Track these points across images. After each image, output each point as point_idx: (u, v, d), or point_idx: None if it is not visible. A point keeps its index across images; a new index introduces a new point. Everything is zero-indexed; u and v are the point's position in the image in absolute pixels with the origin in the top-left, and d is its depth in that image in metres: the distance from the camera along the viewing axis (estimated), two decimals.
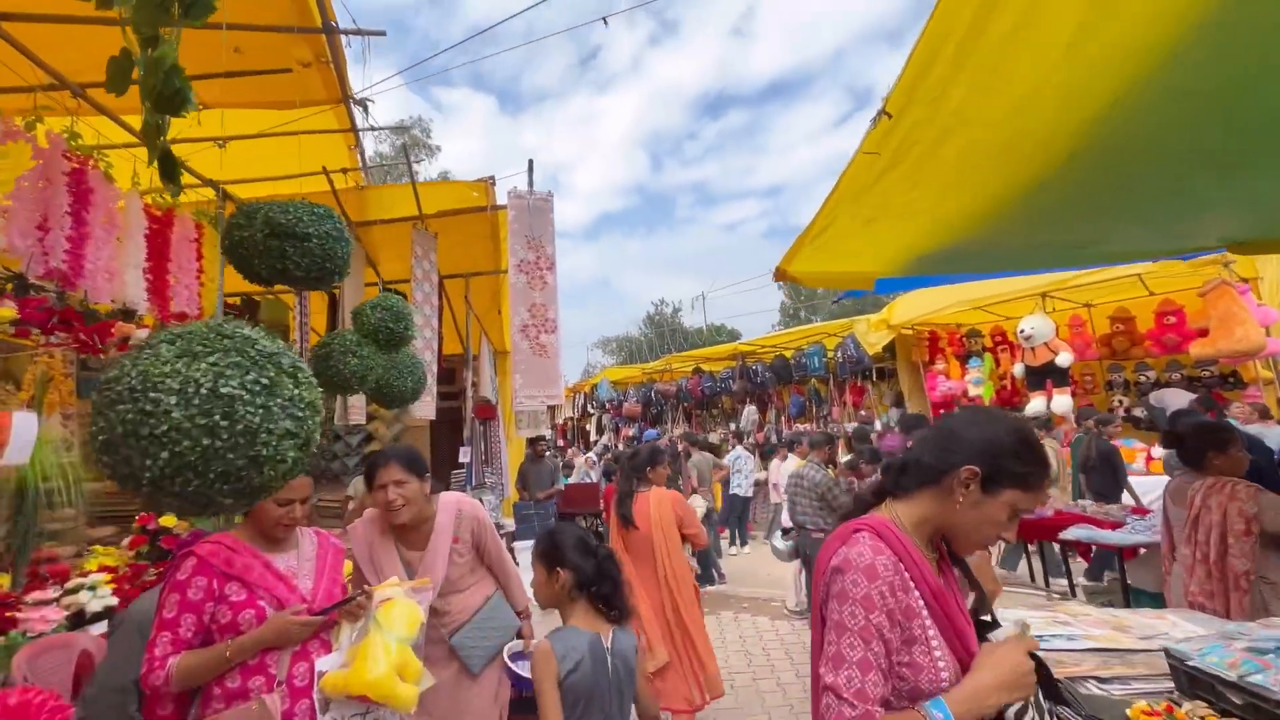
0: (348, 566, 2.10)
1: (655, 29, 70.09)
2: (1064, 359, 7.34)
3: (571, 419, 17.14)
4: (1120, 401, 8.32)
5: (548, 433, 19.40)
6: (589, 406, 15.66)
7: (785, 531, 4.59)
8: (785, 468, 5.59)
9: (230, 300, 5.37)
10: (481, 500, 6.68)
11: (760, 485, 10.69)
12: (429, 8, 60.66)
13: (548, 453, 7.05)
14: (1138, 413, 7.92)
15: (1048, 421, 8.34)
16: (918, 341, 9.20)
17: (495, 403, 6.87)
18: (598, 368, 21.78)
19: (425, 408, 4.41)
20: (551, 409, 19.83)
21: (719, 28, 68.88)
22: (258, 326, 1.45)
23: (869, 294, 4.15)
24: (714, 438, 11.59)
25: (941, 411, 9.06)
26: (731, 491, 8.42)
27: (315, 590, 1.71)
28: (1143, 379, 8.34)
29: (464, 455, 5.04)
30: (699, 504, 3.56)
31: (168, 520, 3.19)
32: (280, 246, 2.48)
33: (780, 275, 3.46)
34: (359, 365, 3.19)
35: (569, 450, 13.53)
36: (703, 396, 11.57)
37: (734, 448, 9.32)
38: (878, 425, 9.18)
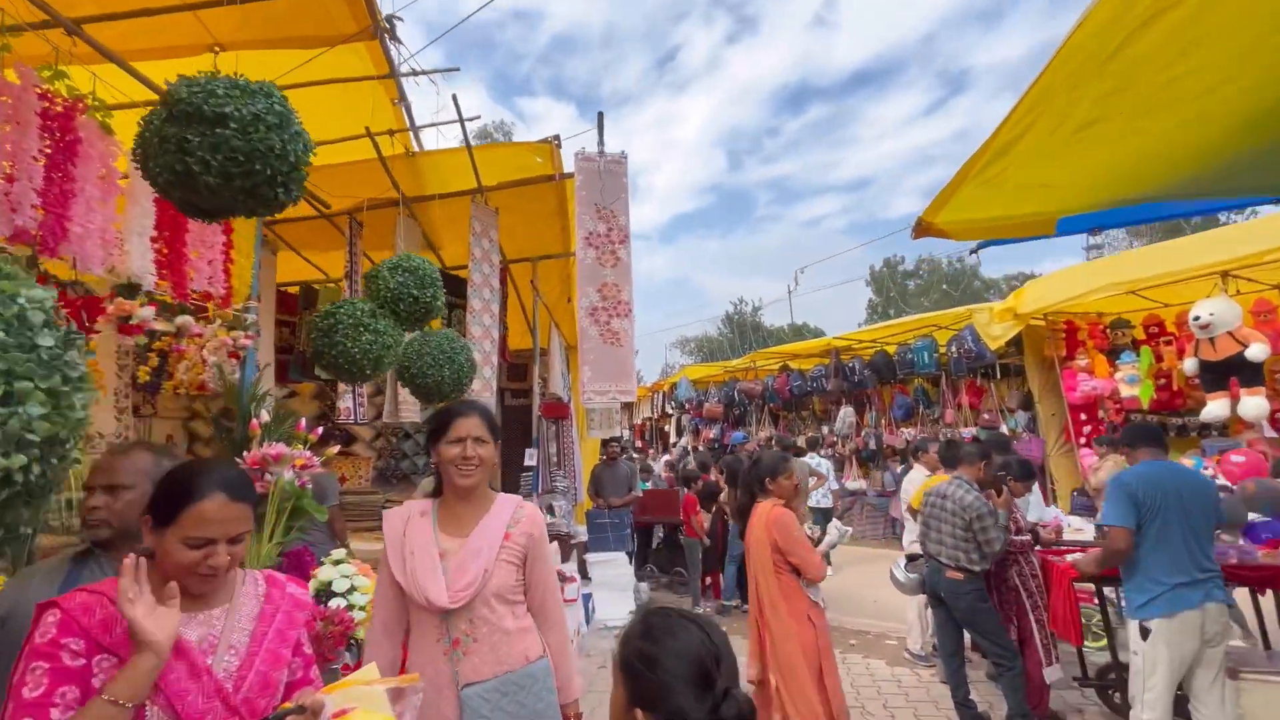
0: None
1: (733, 26, 68.64)
2: (1258, 351, 5.89)
3: (650, 420, 16.57)
4: None
5: (625, 433, 18.92)
6: (668, 407, 15.00)
7: (911, 560, 3.71)
8: (912, 479, 4.67)
9: (287, 289, 5.16)
10: (553, 507, 6.19)
11: (853, 494, 9.61)
12: (513, 21, 62.25)
13: (622, 455, 6.43)
14: None
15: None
16: (1051, 333, 7.86)
17: (567, 401, 6.33)
18: (676, 368, 21.04)
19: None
20: (628, 407, 19.58)
21: (799, 19, 66.49)
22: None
23: (1032, 240, 3.21)
24: (802, 442, 10.62)
25: (1082, 416, 7.69)
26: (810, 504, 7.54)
27: (243, 672, 1.12)
28: None
29: (530, 458, 4.52)
30: (832, 532, 2.85)
31: None
32: (179, 135, 1.58)
33: (922, 229, 2.64)
34: (373, 343, 2.56)
35: (648, 453, 12.88)
36: (791, 397, 10.61)
37: (813, 455, 8.36)
38: (1003, 430, 7.93)
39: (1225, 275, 6.46)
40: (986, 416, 8.10)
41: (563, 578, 4.64)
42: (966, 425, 8.32)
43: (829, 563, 2.86)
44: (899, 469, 9.23)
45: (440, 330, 3.19)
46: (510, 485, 6.95)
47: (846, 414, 9.44)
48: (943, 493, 3.37)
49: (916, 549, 4.47)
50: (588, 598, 5.32)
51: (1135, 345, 7.85)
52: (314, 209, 3.88)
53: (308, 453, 2.96)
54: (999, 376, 8.25)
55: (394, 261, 2.81)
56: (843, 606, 5.83)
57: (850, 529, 2.78)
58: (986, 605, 3.18)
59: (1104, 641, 3.48)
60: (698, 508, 6.06)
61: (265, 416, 2.92)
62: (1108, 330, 8.08)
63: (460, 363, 3.15)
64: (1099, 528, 4.37)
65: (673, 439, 14.20)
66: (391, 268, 2.76)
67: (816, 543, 2.82)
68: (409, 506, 1.79)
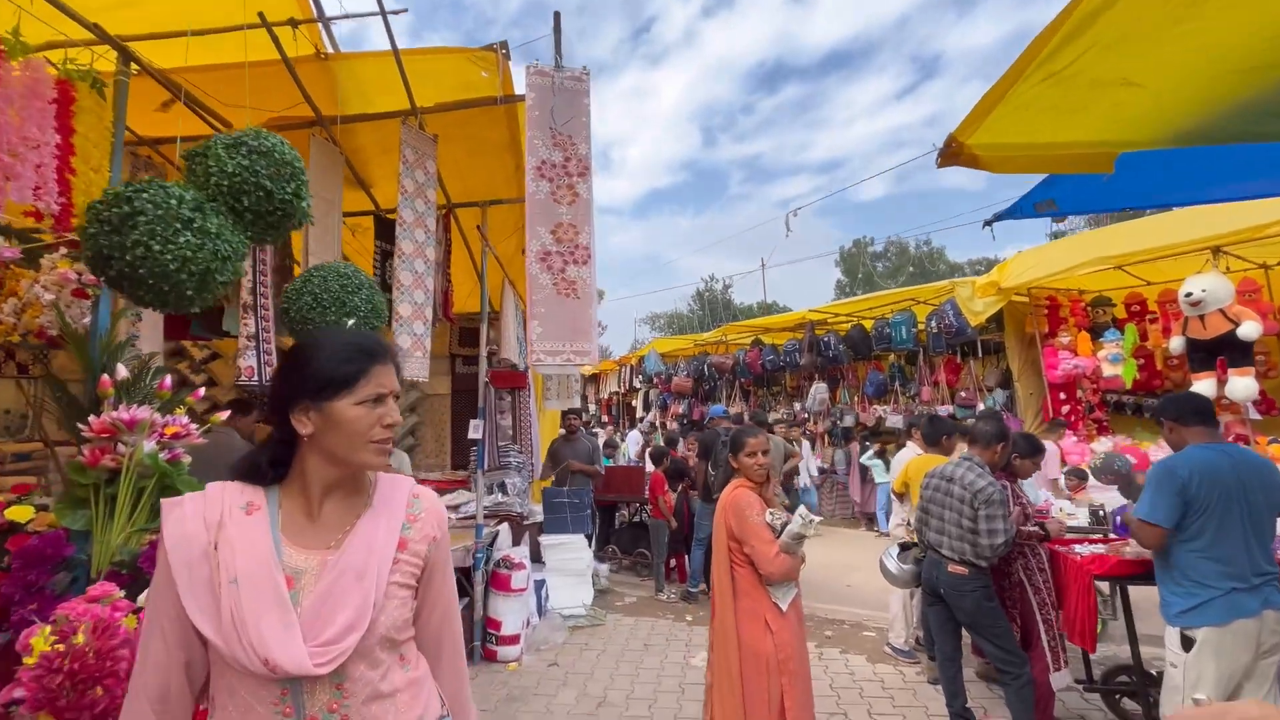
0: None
1: (709, 0, 67.06)
2: (1249, 329, 5.65)
3: (617, 394, 16.09)
4: None
5: (591, 407, 18.40)
6: (635, 381, 14.52)
7: (904, 548, 3.29)
8: (902, 457, 4.27)
9: (354, 216, 4.15)
10: (505, 484, 5.64)
11: (825, 473, 9.31)
12: None
13: (582, 429, 5.90)
14: None
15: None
16: (1034, 309, 7.57)
17: (524, 369, 5.75)
18: (646, 344, 20.56)
19: (414, 367, 3.29)
20: (594, 379, 19.07)
21: None
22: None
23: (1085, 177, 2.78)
24: (775, 418, 10.27)
25: (1061, 395, 7.46)
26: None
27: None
28: None
29: (474, 430, 3.95)
30: (795, 521, 2.31)
31: (18, 513, 2.20)
32: None
33: (951, 154, 2.15)
34: (198, 249, 1.76)
35: (610, 428, 12.39)
36: (763, 372, 10.21)
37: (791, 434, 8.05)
38: (979, 410, 7.66)
39: (1216, 251, 6.20)
40: (964, 395, 7.82)
41: (511, 564, 4.13)
42: (943, 403, 8.03)
43: (803, 558, 2.36)
44: (856, 448, 8.96)
45: (332, 264, 2.53)
46: (461, 463, 6.37)
47: (819, 390, 9.08)
48: (949, 475, 2.94)
49: (902, 533, 4.09)
50: (541, 585, 4.82)
51: (1118, 323, 7.63)
52: (209, 124, 3.18)
53: (183, 419, 2.35)
54: (979, 354, 7.95)
55: (235, 137, 1.96)
56: (819, 593, 5.47)
57: (819, 518, 2.27)
58: (994, 604, 2.79)
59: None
60: (665, 487, 5.59)
61: (122, 372, 2.29)
62: (1089, 308, 7.84)
63: (360, 309, 2.46)
64: (1099, 519, 4.04)
65: (639, 414, 13.75)
66: (230, 145, 1.92)
67: (779, 532, 2.32)
68: (220, 494, 1.06)
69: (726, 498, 2.39)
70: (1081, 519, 4.32)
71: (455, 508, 4.66)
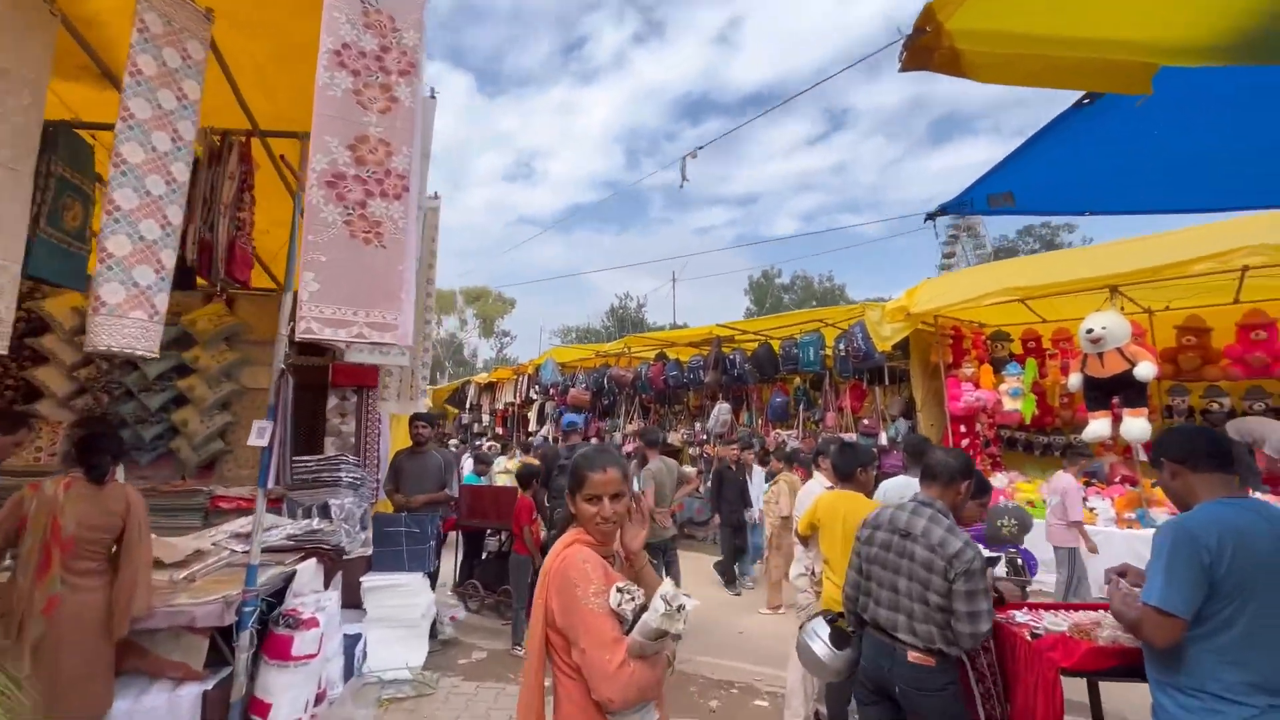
0: None
1: (641, 28, 68.55)
2: (1145, 370, 5.59)
3: (513, 405, 14.89)
4: None
5: (484, 418, 17.04)
6: (532, 391, 13.43)
7: (832, 624, 2.49)
8: (809, 490, 3.58)
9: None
10: (329, 507, 4.47)
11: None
12: None
13: (436, 441, 4.80)
14: None
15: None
16: (939, 338, 7.38)
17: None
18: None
19: (127, 333, 2.18)
20: (490, 388, 17.73)
21: (704, 33, 68.06)
22: None
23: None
24: (675, 439, 9.58)
25: (961, 428, 7.27)
26: None
27: None
28: (1214, 405, 6.73)
29: (258, 435, 2.85)
30: (653, 613, 1.36)
31: None
32: None
33: (921, 49, 1.45)
34: None
35: (484, 444, 11.15)
36: (665, 388, 9.52)
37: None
38: (882, 439, 7.32)
39: (1114, 290, 6.18)
40: (866, 422, 7.46)
41: (296, 621, 3.01)
42: (846, 430, 7.64)
43: (670, 663, 1.44)
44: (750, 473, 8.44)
45: None
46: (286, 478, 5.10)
47: (721, 410, 8.49)
48: (902, 527, 2.16)
49: (805, 584, 3.40)
50: (356, 641, 3.72)
51: (1015, 358, 7.59)
52: None
53: None
54: (886, 381, 7.64)
55: None
56: (702, 641, 4.71)
57: (693, 601, 1.32)
58: (961, 709, 2.06)
59: None
60: (533, 514, 4.64)
61: None
62: (989, 341, 7.78)
63: None
64: (1017, 568, 3.55)
65: (533, 426, 12.66)
66: None
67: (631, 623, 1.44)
68: None
69: (552, 562, 1.49)
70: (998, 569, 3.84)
71: (245, 536, 3.48)
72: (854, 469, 3.17)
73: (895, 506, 2.31)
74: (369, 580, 4.02)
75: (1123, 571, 2.06)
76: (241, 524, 3.71)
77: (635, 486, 7.16)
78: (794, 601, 3.69)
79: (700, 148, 7.01)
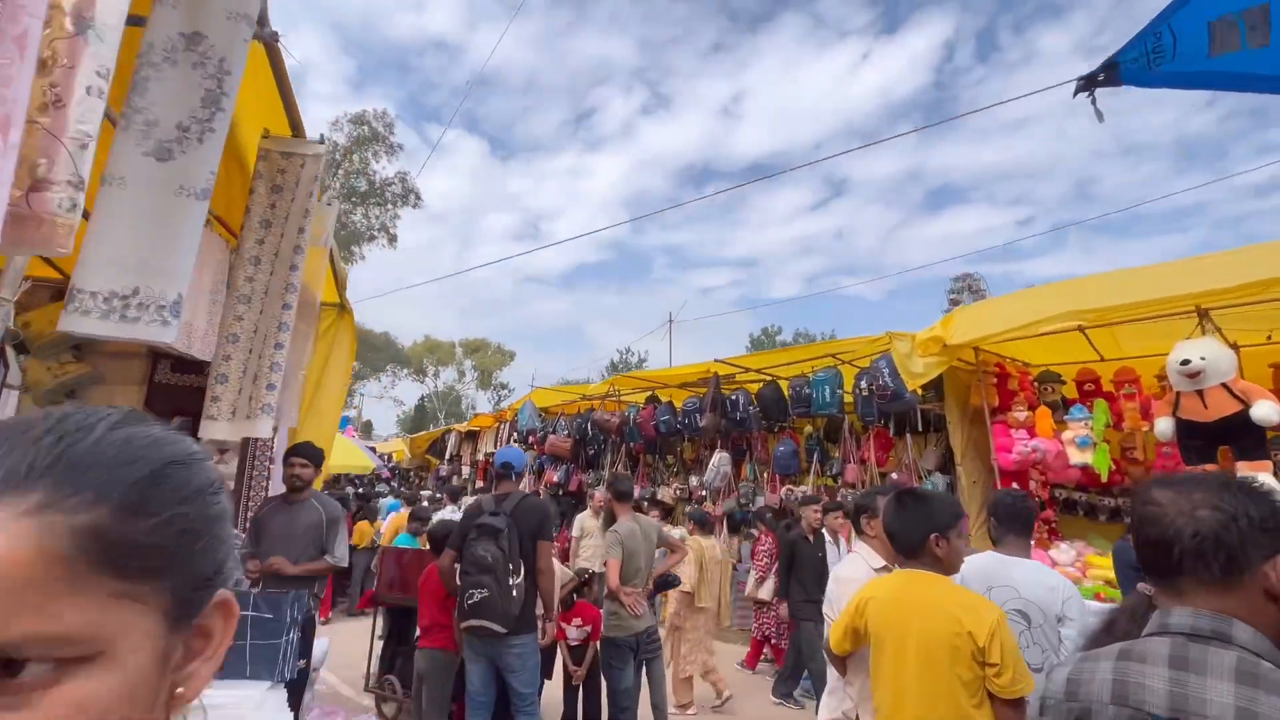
0: None
1: (648, 100, 71.77)
2: (1266, 411, 4.33)
3: (491, 455, 13.53)
4: None
5: (462, 469, 15.62)
6: (512, 440, 12.13)
7: None
8: (849, 573, 2.30)
9: None
10: None
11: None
12: (434, 50, 61.16)
13: (307, 487, 3.43)
14: None
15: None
16: (980, 376, 6.15)
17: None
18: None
19: None
20: (471, 436, 16.49)
21: (709, 106, 71.34)
22: None
23: None
24: (666, 495, 8.21)
25: (1014, 485, 5.95)
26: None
27: None
28: None
29: None
30: None
31: None
32: None
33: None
34: None
35: (425, 496, 9.69)
36: (657, 435, 8.25)
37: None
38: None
39: (1202, 314, 5.01)
40: (895, 477, 6.14)
41: None
42: (870, 483, 6.31)
43: None
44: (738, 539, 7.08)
45: None
46: None
47: (721, 461, 7.18)
48: (1167, 702, 0.87)
49: None
50: None
51: (1066, 403, 6.34)
52: None
53: None
54: (919, 428, 6.36)
55: None
56: None
57: None
58: None
59: None
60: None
61: None
62: (1035, 384, 6.55)
63: None
64: None
65: None
66: None
67: None
68: None
69: None
70: None
71: None
72: (926, 536, 1.91)
73: (1117, 651, 1.03)
74: (215, 697, 2.67)
75: None
76: None
77: (588, 554, 5.71)
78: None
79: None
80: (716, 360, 7.31)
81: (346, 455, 9.28)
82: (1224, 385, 4.53)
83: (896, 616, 1.79)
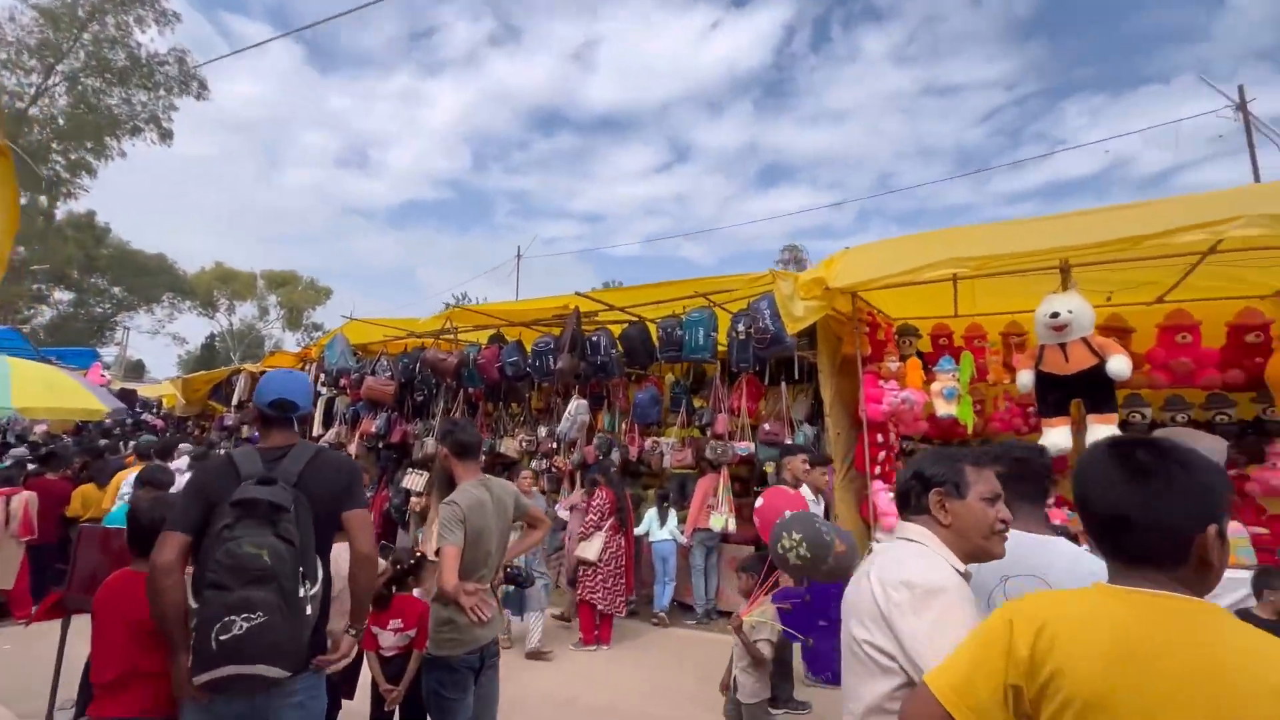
0: None
1: (497, 29, 65.49)
2: (1119, 365, 4.43)
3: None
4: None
5: (227, 416, 12.87)
6: (319, 384, 10.08)
7: None
8: (937, 574, 1.46)
9: None
10: None
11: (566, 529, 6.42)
12: None
13: None
14: None
15: None
16: (855, 325, 5.89)
17: None
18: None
19: None
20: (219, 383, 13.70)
21: (562, 48, 67.25)
22: None
23: None
24: (511, 447, 7.16)
25: (879, 438, 5.83)
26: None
27: None
28: (1135, 417, 6.01)
29: None
30: None
31: None
32: None
33: None
34: None
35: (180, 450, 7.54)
36: (503, 379, 7.09)
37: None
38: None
39: (1065, 271, 5.08)
40: (768, 428, 5.71)
41: None
42: (742, 438, 5.84)
43: None
44: (562, 505, 6.40)
45: None
46: None
47: (579, 409, 6.27)
48: None
49: None
50: None
51: (950, 352, 6.37)
52: None
53: None
54: (796, 377, 5.96)
55: None
56: None
57: None
58: None
59: None
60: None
61: None
62: (896, 337, 6.51)
63: None
64: None
65: (318, 430, 9.36)
66: None
67: None
68: None
69: None
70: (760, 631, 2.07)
71: None
72: (1202, 528, 1.06)
73: None
74: None
75: None
76: None
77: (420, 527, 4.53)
78: None
79: None
80: (577, 294, 6.30)
81: (63, 395, 6.79)
82: (1084, 340, 4.60)
83: (1145, 681, 0.94)
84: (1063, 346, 4.65)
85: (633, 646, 5.40)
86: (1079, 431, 4.78)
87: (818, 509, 4.61)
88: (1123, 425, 5.95)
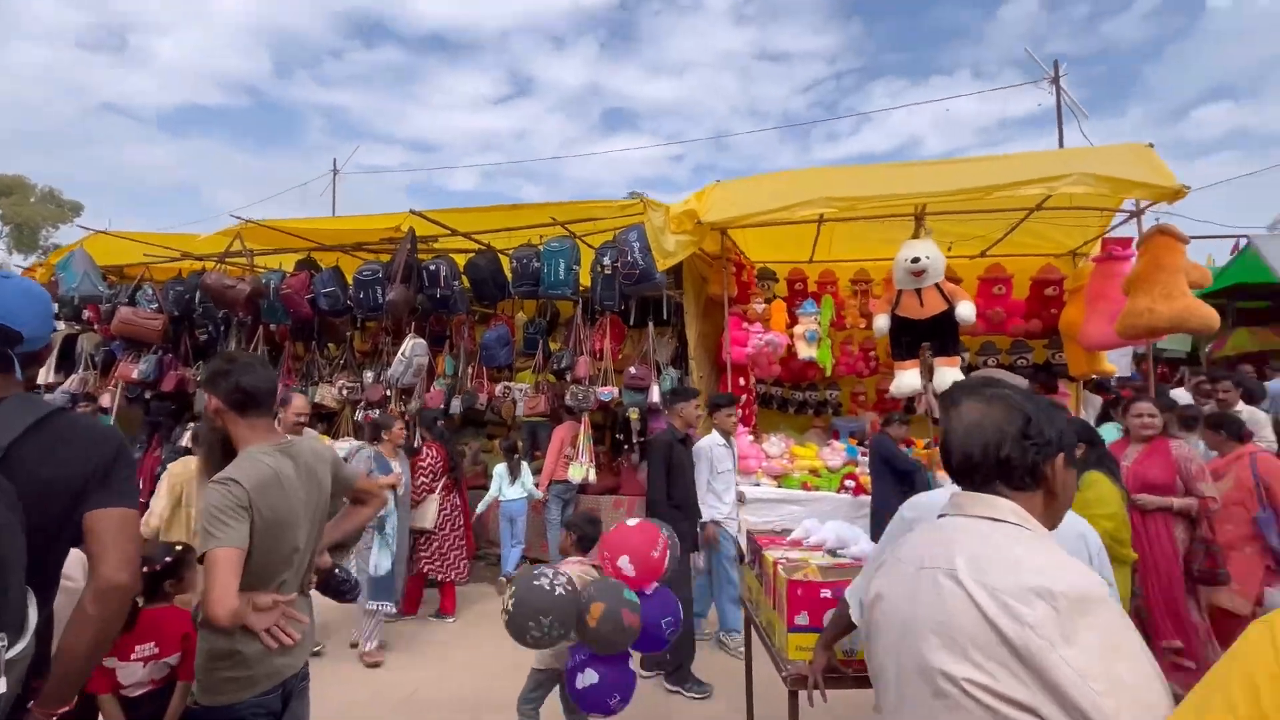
0: None
1: None
2: (966, 311, 4.66)
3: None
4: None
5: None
6: (55, 315, 7.69)
7: None
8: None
9: None
10: None
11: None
12: None
13: None
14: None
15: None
16: (723, 264, 5.62)
17: None
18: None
19: None
20: None
21: None
22: None
23: None
24: (328, 396, 6.02)
25: (741, 382, 5.71)
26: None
27: None
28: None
29: None
30: None
31: None
32: None
33: None
34: None
35: None
36: (315, 315, 5.83)
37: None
38: (654, 395, 5.27)
39: (919, 219, 5.22)
40: (634, 371, 5.32)
41: None
42: (605, 383, 5.38)
43: None
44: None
45: None
46: None
47: (415, 350, 5.32)
48: None
49: None
50: None
51: (811, 295, 6.37)
52: None
53: None
54: (665, 316, 5.58)
55: None
56: None
57: None
58: None
59: None
60: None
61: None
62: (757, 280, 6.42)
63: None
64: None
65: (49, 378, 7.15)
66: None
67: None
68: None
69: None
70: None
71: None
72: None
73: None
74: None
75: None
76: None
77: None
78: None
79: None
80: (413, 212, 5.26)
81: None
82: (936, 286, 4.77)
83: None
84: (918, 292, 4.79)
85: (478, 616, 4.84)
86: (928, 373, 5.01)
87: (726, 452, 4.38)
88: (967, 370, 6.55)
